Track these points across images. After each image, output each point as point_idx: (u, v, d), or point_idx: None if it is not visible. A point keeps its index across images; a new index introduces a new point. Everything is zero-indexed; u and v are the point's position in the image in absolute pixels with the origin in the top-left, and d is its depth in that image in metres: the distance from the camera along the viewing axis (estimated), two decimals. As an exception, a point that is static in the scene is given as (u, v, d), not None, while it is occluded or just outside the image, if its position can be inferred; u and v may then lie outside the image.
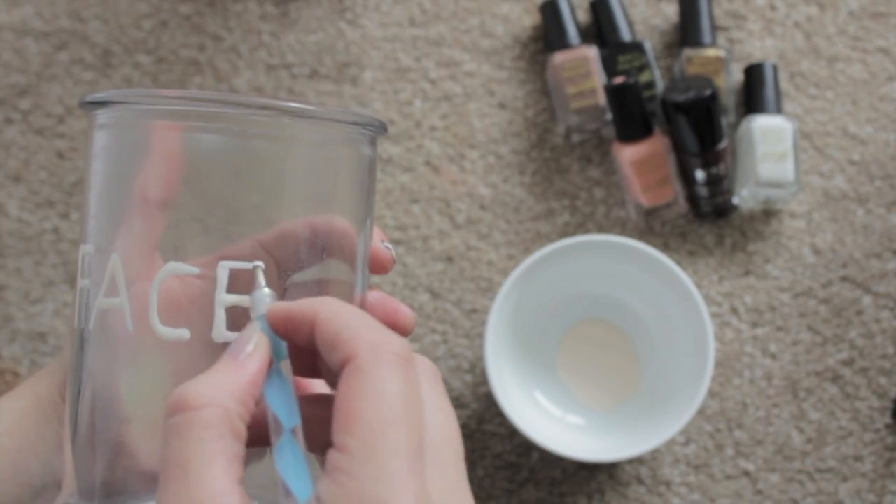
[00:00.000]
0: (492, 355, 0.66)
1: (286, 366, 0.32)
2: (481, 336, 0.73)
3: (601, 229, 0.75)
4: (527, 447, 0.73)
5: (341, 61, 0.76)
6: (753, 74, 0.74)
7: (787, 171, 0.72)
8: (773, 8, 0.77)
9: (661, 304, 0.70)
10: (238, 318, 0.34)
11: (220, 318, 0.34)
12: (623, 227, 0.75)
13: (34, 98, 0.75)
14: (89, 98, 0.35)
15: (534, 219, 0.75)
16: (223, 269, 0.34)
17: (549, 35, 0.74)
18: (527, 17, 0.77)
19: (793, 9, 0.77)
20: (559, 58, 0.73)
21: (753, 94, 0.74)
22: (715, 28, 0.75)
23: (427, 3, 0.77)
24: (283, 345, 0.32)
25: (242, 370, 0.31)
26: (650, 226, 0.75)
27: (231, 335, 0.34)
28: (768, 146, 0.72)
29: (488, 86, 0.76)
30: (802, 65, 0.76)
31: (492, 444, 0.73)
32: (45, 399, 0.42)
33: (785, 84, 0.76)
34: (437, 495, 0.29)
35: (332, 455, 0.29)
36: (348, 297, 0.37)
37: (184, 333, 0.34)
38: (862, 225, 0.75)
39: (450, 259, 0.74)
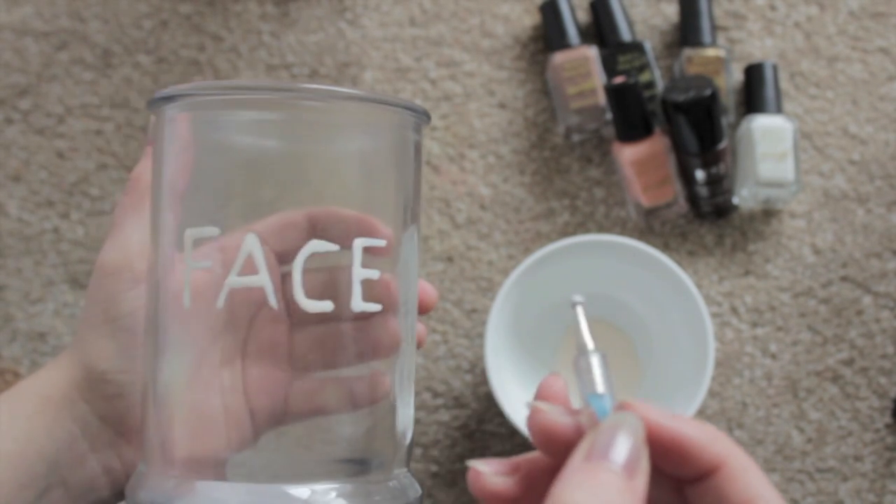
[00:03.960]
0: (492, 355, 0.66)
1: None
2: (481, 336, 0.73)
3: (601, 229, 0.75)
4: (526, 447, 0.73)
5: (341, 61, 0.76)
6: (753, 74, 0.74)
7: (787, 170, 0.72)
8: (773, 8, 0.77)
9: (661, 304, 0.70)
10: (370, 289, 0.37)
11: (357, 290, 0.36)
12: (623, 227, 0.75)
13: (34, 98, 0.75)
14: (182, 90, 0.37)
15: (534, 219, 0.75)
16: (358, 246, 0.36)
17: (549, 35, 0.74)
18: (527, 17, 0.77)
19: (793, 9, 0.77)
20: (559, 58, 0.73)
21: (753, 94, 0.74)
22: (715, 28, 0.75)
23: (427, 3, 0.77)
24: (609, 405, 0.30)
25: (635, 493, 0.27)
26: (650, 226, 0.75)
27: (367, 305, 0.37)
28: (768, 146, 0.72)
29: (488, 86, 0.76)
30: (802, 65, 0.76)
31: (492, 443, 0.73)
32: (57, 400, 0.42)
33: (785, 84, 0.76)
34: None
35: None
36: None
37: (327, 305, 0.36)
38: (862, 225, 0.75)
39: (450, 259, 0.74)
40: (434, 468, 0.72)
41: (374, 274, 0.37)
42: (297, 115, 0.36)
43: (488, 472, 0.32)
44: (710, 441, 0.29)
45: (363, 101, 0.37)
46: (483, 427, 0.73)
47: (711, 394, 0.73)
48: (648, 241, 0.74)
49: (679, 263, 0.73)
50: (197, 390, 0.38)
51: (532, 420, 0.29)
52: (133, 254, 0.41)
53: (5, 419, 0.41)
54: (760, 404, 0.73)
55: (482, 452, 0.73)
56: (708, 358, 0.66)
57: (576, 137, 0.75)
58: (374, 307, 0.37)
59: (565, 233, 0.75)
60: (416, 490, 0.38)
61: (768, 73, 0.74)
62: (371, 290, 0.37)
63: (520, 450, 0.73)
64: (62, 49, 0.76)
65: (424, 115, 0.39)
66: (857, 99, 0.76)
